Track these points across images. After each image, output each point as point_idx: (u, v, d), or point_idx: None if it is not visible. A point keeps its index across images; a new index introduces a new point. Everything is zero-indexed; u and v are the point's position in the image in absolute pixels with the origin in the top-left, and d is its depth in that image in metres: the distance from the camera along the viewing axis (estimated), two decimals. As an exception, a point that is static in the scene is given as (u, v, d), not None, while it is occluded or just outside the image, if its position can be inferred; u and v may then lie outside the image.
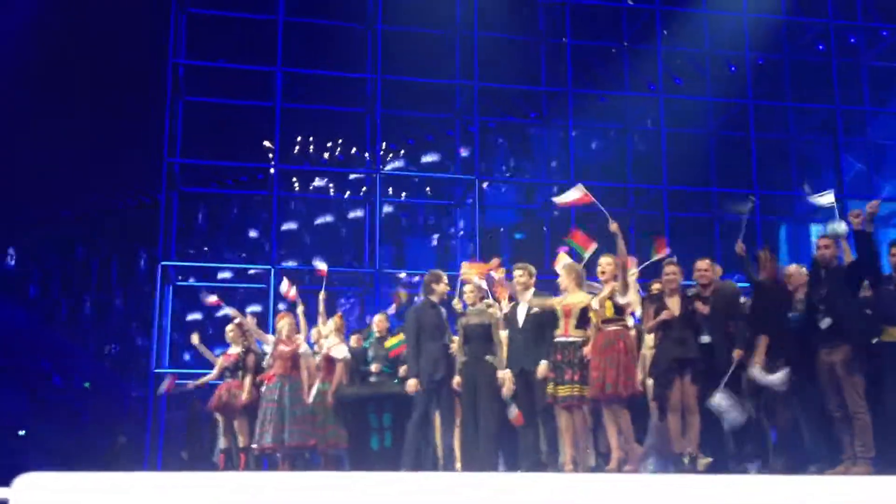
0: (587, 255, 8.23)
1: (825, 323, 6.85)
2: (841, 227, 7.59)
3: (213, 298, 10.27)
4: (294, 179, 17.52)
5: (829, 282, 6.96)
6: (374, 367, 8.97)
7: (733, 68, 16.24)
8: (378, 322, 9.38)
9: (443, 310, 8.32)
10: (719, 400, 7.09)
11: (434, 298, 8.15)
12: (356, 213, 17.69)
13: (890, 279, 7.40)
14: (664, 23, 15.88)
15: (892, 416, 6.94)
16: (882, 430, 6.95)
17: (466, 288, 8.23)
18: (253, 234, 19.87)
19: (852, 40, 16.37)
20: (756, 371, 7.03)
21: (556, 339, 7.47)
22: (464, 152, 16.23)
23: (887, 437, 6.99)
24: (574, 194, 8.05)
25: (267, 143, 14.84)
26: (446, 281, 8.19)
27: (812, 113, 16.38)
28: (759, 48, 16.01)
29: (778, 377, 6.95)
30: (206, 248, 19.34)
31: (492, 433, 7.79)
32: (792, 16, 16.07)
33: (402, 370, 8.58)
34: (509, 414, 7.74)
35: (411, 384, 7.95)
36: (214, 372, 9.75)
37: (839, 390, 6.80)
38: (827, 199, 7.82)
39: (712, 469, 7.00)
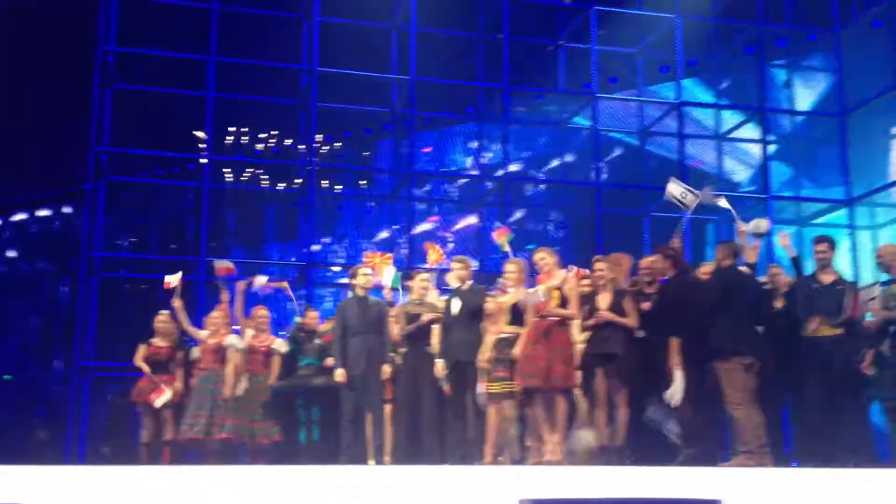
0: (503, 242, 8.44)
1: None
2: (763, 224, 7.82)
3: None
4: (226, 171, 17.26)
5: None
6: (329, 361, 8.81)
7: (665, 69, 16.48)
8: (310, 316, 9.36)
9: (378, 301, 8.34)
10: (651, 413, 7.26)
11: (358, 292, 8.16)
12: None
13: (812, 277, 7.63)
14: (599, 22, 16.03)
15: (811, 408, 7.20)
16: (802, 422, 7.19)
17: (417, 277, 8.26)
18: (185, 225, 19.51)
19: (780, 44, 16.74)
20: (677, 375, 7.16)
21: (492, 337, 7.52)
22: (400, 146, 16.20)
23: (805, 430, 7.23)
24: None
25: (199, 134, 14.59)
26: (364, 272, 8.19)
27: (742, 113, 16.73)
28: (691, 49, 16.28)
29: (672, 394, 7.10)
30: (134, 240, 18.93)
31: (434, 424, 7.83)
32: (723, 18, 16.36)
33: (329, 361, 8.67)
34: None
35: (339, 374, 8.00)
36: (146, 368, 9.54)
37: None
38: (721, 201, 8.05)
39: (639, 461, 7.13)
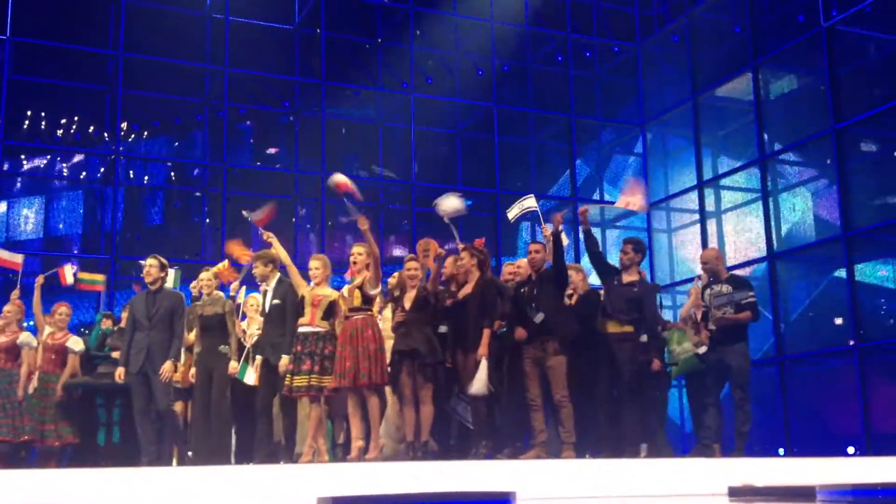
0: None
1: (538, 317, 7.31)
2: (450, 203, 7.97)
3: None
4: (23, 157, 16.25)
5: (539, 282, 7.49)
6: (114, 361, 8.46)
7: (480, 72, 16.89)
8: (125, 315, 8.95)
9: (173, 297, 8.02)
10: (454, 404, 7.41)
11: (150, 287, 7.82)
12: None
13: (615, 274, 8.00)
14: (417, 23, 16.23)
15: (600, 402, 7.62)
16: (587, 414, 7.58)
17: (203, 276, 8.06)
18: None
19: (587, 54, 17.52)
20: (482, 366, 7.27)
21: (300, 329, 7.38)
22: (212, 138, 15.77)
23: (591, 422, 7.63)
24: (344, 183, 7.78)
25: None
26: (151, 262, 7.86)
27: (550, 119, 17.38)
28: (505, 55, 16.77)
29: (478, 384, 7.24)
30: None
31: (226, 424, 7.68)
32: (535, 26, 16.94)
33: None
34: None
35: (118, 371, 7.66)
36: None
37: (542, 381, 7.31)
38: (529, 202, 8.34)
39: (441, 456, 7.26)
